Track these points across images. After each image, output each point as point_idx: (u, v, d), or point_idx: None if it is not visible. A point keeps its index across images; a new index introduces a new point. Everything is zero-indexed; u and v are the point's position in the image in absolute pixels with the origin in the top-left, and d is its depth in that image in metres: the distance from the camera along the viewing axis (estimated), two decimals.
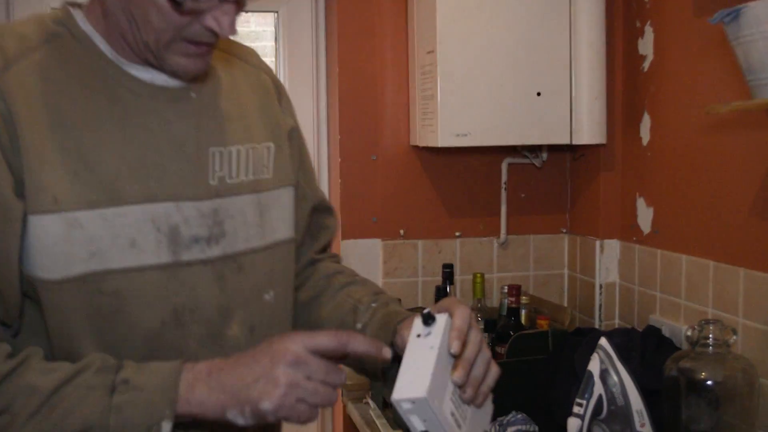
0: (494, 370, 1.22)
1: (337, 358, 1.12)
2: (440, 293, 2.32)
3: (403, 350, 1.18)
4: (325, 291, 1.46)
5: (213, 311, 1.20)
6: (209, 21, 1.09)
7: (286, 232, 1.35)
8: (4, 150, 1.06)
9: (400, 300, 1.48)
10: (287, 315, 1.37)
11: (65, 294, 1.09)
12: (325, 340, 1.09)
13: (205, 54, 1.16)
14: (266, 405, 1.04)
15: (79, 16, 1.17)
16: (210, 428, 1.14)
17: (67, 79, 1.12)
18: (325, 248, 1.55)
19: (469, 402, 1.18)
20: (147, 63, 1.16)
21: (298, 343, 1.07)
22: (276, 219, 1.33)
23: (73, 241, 1.08)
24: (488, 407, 1.24)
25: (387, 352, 1.12)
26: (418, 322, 1.17)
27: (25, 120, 1.07)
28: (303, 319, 1.45)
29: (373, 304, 1.38)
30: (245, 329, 1.24)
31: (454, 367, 1.15)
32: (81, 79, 1.13)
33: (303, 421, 1.07)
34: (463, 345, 1.15)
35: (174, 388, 1.04)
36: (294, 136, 1.43)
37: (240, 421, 1.06)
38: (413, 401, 1.07)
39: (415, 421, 1.09)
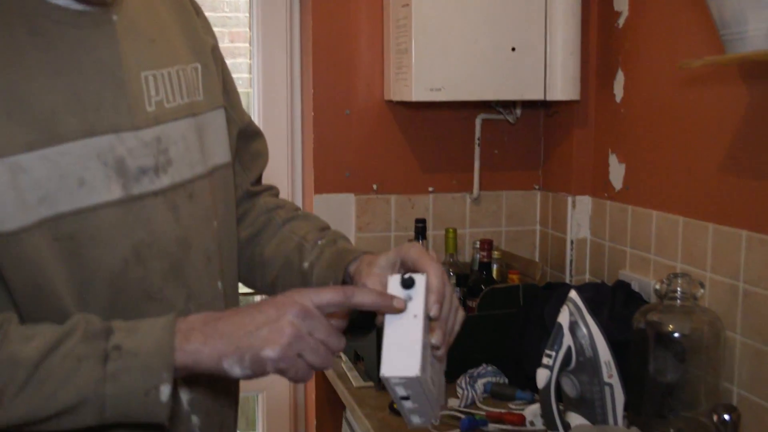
0: (461, 317, 1.20)
1: (341, 318, 1.10)
2: None
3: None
4: (266, 228, 1.41)
5: (171, 244, 1.16)
6: None
7: (224, 156, 1.31)
8: None
9: (347, 238, 1.41)
10: (234, 245, 1.34)
11: (26, 245, 1.02)
12: (330, 294, 1.06)
13: None
14: (270, 352, 1.01)
15: None
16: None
17: None
18: (259, 179, 1.50)
19: (441, 359, 1.18)
20: None
21: (305, 298, 1.04)
22: (213, 143, 1.28)
23: (20, 187, 1.01)
24: (444, 357, 1.22)
25: (400, 303, 1.09)
26: (395, 285, 1.12)
27: None
28: (245, 258, 1.41)
29: (320, 242, 1.34)
30: (203, 259, 1.22)
31: (432, 329, 1.14)
32: None
33: (299, 378, 1.04)
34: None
35: (170, 349, 1.00)
36: (216, 55, 1.36)
37: (237, 370, 1.02)
38: (405, 379, 1.06)
39: (399, 391, 1.09)
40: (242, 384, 1.36)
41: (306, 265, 1.32)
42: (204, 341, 1.02)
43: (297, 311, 1.02)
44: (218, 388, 1.27)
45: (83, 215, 1.06)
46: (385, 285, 1.16)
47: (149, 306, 1.13)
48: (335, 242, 1.34)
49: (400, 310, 1.09)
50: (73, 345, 0.98)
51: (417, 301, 1.10)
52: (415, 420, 1.16)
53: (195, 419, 1.21)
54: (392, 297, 1.09)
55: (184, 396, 1.20)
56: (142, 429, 1.07)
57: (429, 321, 1.12)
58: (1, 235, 1.01)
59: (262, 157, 1.50)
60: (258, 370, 1.03)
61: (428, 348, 1.11)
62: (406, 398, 1.10)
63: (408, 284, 1.11)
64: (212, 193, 1.25)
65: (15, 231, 1.01)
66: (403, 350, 1.07)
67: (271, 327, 1.02)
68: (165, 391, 0.99)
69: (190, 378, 1.17)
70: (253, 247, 1.41)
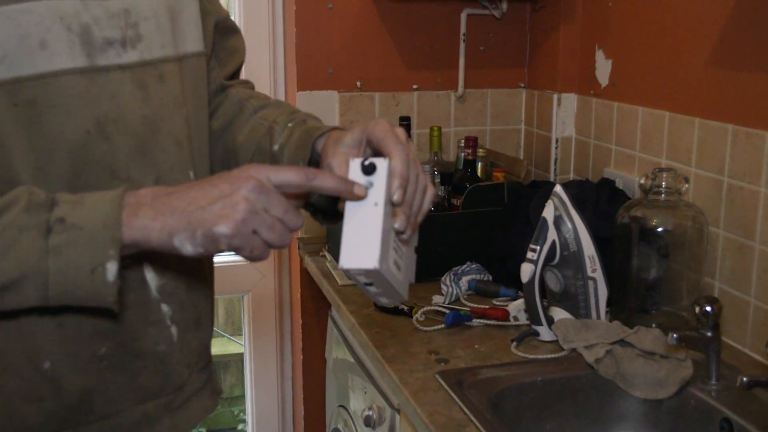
0: (429, 198, 1.13)
1: (299, 197, 1.06)
2: None
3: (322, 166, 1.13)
4: (238, 116, 1.36)
5: (138, 123, 1.11)
6: None
7: (196, 44, 1.25)
8: None
9: (317, 118, 1.34)
10: (206, 136, 1.30)
11: None
12: (290, 174, 1.00)
13: None
14: (223, 228, 0.95)
15: None
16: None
17: None
18: (234, 74, 1.45)
19: (407, 241, 1.14)
20: None
21: (262, 173, 0.98)
22: (185, 29, 1.22)
23: None
24: (415, 236, 1.17)
25: (360, 190, 1.03)
26: (356, 170, 1.05)
27: None
28: (218, 149, 1.36)
29: (290, 124, 1.29)
30: (173, 144, 1.17)
31: (395, 214, 1.08)
32: None
33: (254, 256, 1.00)
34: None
35: (117, 223, 0.94)
36: None
37: (188, 247, 0.97)
38: (364, 270, 1.03)
39: (361, 279, 1.06)
40: (227, 285, 1.33)
41: (276, 147, 1.27)
42: (154, 216, 0.96)
43: (252, 186, 0.96)
44: (192, 277, 1.23)
45: (44, 80, 1.01)
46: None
47: (114, 185, 1.07)
48: (304, 122, 1.29)
49: (360, 197, 1.03)
50: (14, 215, 0.93)
51: (378, 187, 1.04)
52: (383, 300, 1.14)
53: (165, 308, 1.18)
54: (353, 183, 1.03)
55: (153, 282, 1.15)
56: (93, 315, 1.06)
57: (392, 207, 1.07)
58: None
59: (238, 52, 1.44)
60: (211, 247, 0.98)
61: (390, 233, 1.07)
62: (370, 284, 1.08)
63: (368, 170, 1.04)
64: (182, 81, 1.20)
65: None
66: (363, 240, 1.03)
67: (224, 202, 0.96)
68: (111, 269, 0.94)
69: (159, 262, 1.14)
70: (226, 136, 1.36)
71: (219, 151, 1.36)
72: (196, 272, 1.25)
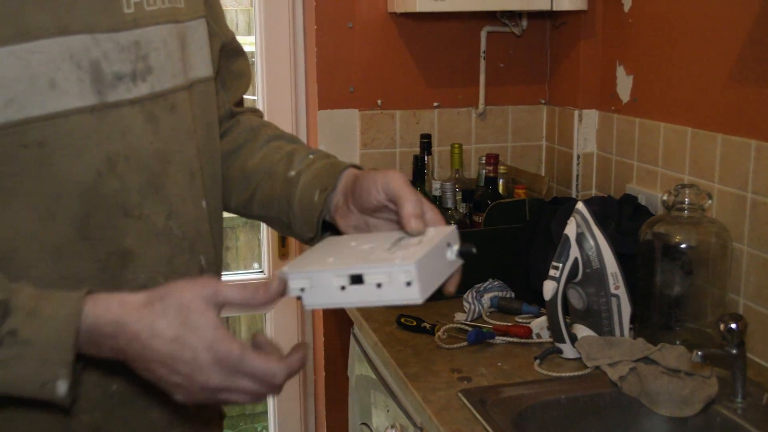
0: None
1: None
2: (418, 163, 2.30)
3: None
4: (250, 143, 1.34)
5: (150, 157, 1.09)
6: None
7: (205, 69, 1.23)
8: None
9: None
10: (217, 163, 1.28)
11: None
12: (237, 297, 0.95)
13: None
14: (180, 398, 0.96)
15: None
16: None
17: None
18: (241, 101, 1.43)
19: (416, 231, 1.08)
20: None
21: (217, 339, 0.92)
22: (194, 54, 1.20)
23: None
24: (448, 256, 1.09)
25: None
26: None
27: None
28: (223, 171, 1.33)
29: (311, 155, 1.27)
30: (185, 175, 1.15)
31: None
32: None
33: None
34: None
35: (69, 345, 0.90)
36: None
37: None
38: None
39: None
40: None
41: (293, 173, 1.24)
42: (113, 355, 0.94)
43: (220, 366, 0.92)
44: None
45: (54, 121, 0.99)
46: (358, 228, 1.17)
47: (127, 223, 1.06)
48: (328, 157, 1.28)
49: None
50: None
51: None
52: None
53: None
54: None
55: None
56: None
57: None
58: None
59: (244, 76, 1.41)
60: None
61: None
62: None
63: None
64: (192, 108, 1.18)
65: None
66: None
67: (184, 385, 0.93)
68: (62, 386, 0.91)
69: None
70: (233, 160, 1.34)
71: (223, 175, 1.33)
72: None
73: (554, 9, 2.32)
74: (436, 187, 2.22)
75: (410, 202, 1.07)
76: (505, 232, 2.15)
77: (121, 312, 0.91)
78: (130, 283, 1.06)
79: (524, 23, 2.56)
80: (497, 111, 2.62)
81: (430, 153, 2.36)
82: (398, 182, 1.10)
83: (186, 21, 1.18)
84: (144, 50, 1.08)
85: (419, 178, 2.29)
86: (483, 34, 2.56)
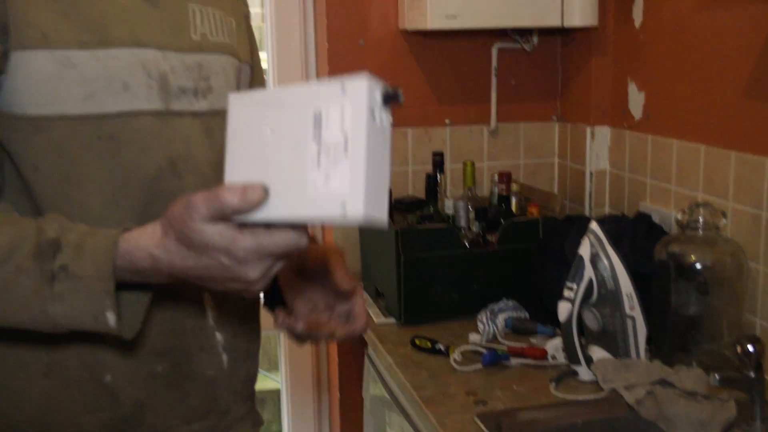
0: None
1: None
2: (430, 182, 2.30)
3: None
4: None
5: (205, 165, 1.21)
6: None
7: None
8: None
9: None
10: None
11: (58, 132, 1.09)
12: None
13: None
14: (237, 287, 0.98)
15: None
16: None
17: None
18: None
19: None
20: None
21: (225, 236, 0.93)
22: (245, 87, 1.34)
23: (66, 79, 1.08)
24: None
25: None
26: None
27: None
28: None
29: None
30: None
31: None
32: None
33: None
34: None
35: (108, 277, 0.98)
36: (248, 23, 1.43)
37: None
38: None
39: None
40: (264, 321, 1.39)
41: None
42: (163, 279, 0.99)
43: (243, 266, 0.94)
44: (246, 310, 1.32)
45: (125, 118, 1.12)
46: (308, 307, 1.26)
47: None
48: None
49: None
50: (22, 259, 0.98)
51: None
52: None
53: (219, 336, 1.27)
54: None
55: (210, 310, 1.25)
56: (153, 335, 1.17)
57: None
58: (38, 119, 1.08)
59: None
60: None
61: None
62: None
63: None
64: None
65: (54, 116, 1.08)
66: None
67: (235, 284, 0.97)
68: (111, 317, 0.99)
69: (218, 293, 1.21)
70: None
71: None
72: (251, 306, 1.34)
73: (565, 26, 2.32)
74: (448, 206, 2.22)
75: (341, 268, 1.24)
76: (519, 251, 2.14)
77: (148, 245, 0.97)
78: None
79: (535, 40, 2.56)
80: (509, 128, 2.62)
81: (442, 171, 2.35)
82: (334, 256, 1.27)
83: (241, 62, 1.34)
84: (206, 72, 1.23)
85: (432, 196, 2.29)
86: (494, 51, 2.55)
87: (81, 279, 0.98)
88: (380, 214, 0.84)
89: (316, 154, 0.84)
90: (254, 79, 1.41)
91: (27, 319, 1.00)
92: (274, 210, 0.88)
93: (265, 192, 0.88)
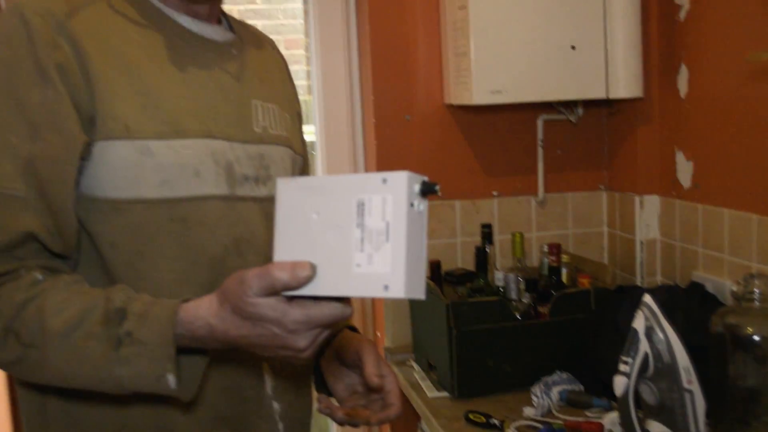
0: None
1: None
2: (480, 254, 2.30)
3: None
4: None
5: (264, 245, 1.28)
6: None
7: None
8: (73, 87, 1.15)
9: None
10: None
11: (136, 215, 1.18)
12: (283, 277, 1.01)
13: None
14: (287, 353, 1.06)
15: None
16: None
17: (127, 25, 1.23)
18: None
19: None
20: (191, 13, 1.30)
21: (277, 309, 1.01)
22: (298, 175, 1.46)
23: (144, 167, 1.18)
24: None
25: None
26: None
27: (95, 59, 1.17)
28: None
29: None
30: None
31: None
32: (139, 26, 1.24)
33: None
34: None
35: (170, 343, 1.06)
36: (301, 119, 1.55)
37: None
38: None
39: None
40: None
41: None
42: (218, 345, 1.08)
43: (294, 336, 1.02)
44: (301, 381, 1.39)
45: (196, 202, 1.22)
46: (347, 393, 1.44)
47: None
48: None
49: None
50: (91, 325, 1.08)
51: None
52: None
53: (276, 405, 1.33)
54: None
55: (268, 381, 1.31)
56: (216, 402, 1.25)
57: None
58: (118, 201, 1.18)
59: None
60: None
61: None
62: None
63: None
64: None
65: (133, 200, 1.18)
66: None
67: (288, 352, 1.04)
68: (171, 379, 1.07)
69: (276, 364, 1.31)
70: None
71: None
72: (305, 379, 1.41)
73: (610, 97, 2.34)
74: (498, 278, 2.22)
75: (371, 363, 1.36)
76: (571, 323, 2.13)
77: (206, 314, 1.06)
78: None
79: (580, 111, 2.58)
80: (557, 198, 2.62)
81: (491, 242, 2.36)
82: (366, 349, 1.39)
83: (296, 153, 1.45)
84: (266, 162, 1.34)
85: (482, 269, 2.29)
86: (539, 123, 2.58)
87: (145, 344, 1.06)
88: (419, 292, 0.94)
89: (359, 238, 0.95)
90: (304, 169, 1.53)
91: (96, 380, 1.10)
92: (321, 286, 0.97)
93: (312, 269, 0.96)
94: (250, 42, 1.44)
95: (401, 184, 0.93)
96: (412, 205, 0.93)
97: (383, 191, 0.93)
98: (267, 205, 1.29)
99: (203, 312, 1.06)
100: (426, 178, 0.96)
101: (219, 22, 1.38)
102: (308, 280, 0.97)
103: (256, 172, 1.31)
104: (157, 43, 1.25)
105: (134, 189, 1.18)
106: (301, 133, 1.54)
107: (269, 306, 0.99)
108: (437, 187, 0.96)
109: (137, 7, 1.26)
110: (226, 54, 1.34)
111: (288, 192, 1.03)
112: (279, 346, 1.03)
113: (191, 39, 1.29)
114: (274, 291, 0.98)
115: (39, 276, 1.13)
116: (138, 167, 1.18)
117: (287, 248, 1.01)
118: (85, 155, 1.16)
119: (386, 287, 0.92)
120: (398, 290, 0.91)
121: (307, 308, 0.99)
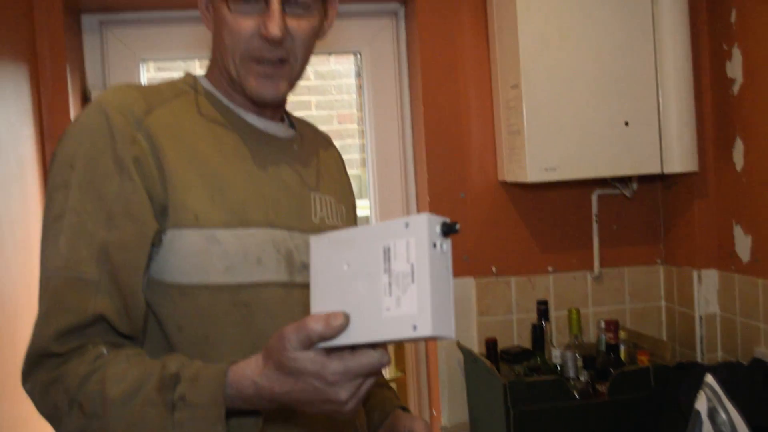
0: None
1: None
2: (536, 331, 2.29)
3: None
4: None
5: None
6: (260, 29, 1.29)
7: None
8: (147, 179, 1.23)
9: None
10: None
11: (202, 299, 1.24)
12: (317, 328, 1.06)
13: (272, 75, 1.34)
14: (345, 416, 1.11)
15: (201, 79, 1.42)
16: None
17: (199, 122, 1.33)
18: None
19: None
20: (257, 112, 1.40)
21: (316, 362, 1.06)
22: None
23: (211, 254, 1.24)
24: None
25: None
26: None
27: (168, 153, 1.25)
28: None
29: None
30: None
31: None
32: (209, 123, 1.34)
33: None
34: None
35: (220, 405, 1.11)
36: (355, 212, 1.63)
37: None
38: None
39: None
40: None
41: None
42: (265, 404, 1.12)
43: (332, 387, 1.06)
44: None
45: (258, 288, 1.27)
46: None
47: None
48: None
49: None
50: (148, 392, 1.13)
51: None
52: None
53: None
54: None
55: None
56: None
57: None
58: (186, 287, 1.24)
59: None
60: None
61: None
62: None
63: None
64: None
65: (199, 285, 1.24)
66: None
67: (331, 404, 1.07)
68: None
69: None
70: None
71: None
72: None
73: (665, 172, 2.33)
74: (556, 356, 2.20)
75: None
76: (631, 401, 2.10)
77: (252, 374, 1.11)
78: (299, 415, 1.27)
79: (635, 185, 2.57)
80: (613, 273, 2.61)
81: (547, 319, 2.34)
82: (419, 426, 1.44)
83: None
84: None
85: (538, 346, 2.28)
86: (594, 198, 2.58)
87: (197, 407, 1.11)
88: (448, 331, 0.97)
89: (387, 283, 0.99)
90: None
91: None
92: (355, 334, 1.02)
93: (345, 318, 1.01)
94: (309, 138, 1.53)
95: (422, 226, 0.97)
96: (434, 245, 0.97)
97: (406, 235, 0.98)
98: None
99: (250, 371, 1.11)
100: (447, 220, 0.98)
101: (282, 119, 1.48)
102: (342, 329, 1.02)
103: None
104: (225, 139, 1.34)
105: (201, 275, 1.24)
106: (355, 223, 1.60)
107: (308, 359, 1.04)
108: (458, 226, 0.98)
109: (209, 106, 1.37)
110: (288, 149, 1.43)
111: (320, 247, 1.09)
112: (322, 400, 1.06)
113: (257, 135, 1.38)
114: (311, 342, 1.03)
115: (104, 350, 1.19)
116: (205, 254, 1.24)
117: (322, 301, 1.07)
118: (156, 242, 1.23)
119: (414, 327, 0.95)
120: (426, 329, 0.94)
121: (344, 359, 1.04)
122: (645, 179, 2.58)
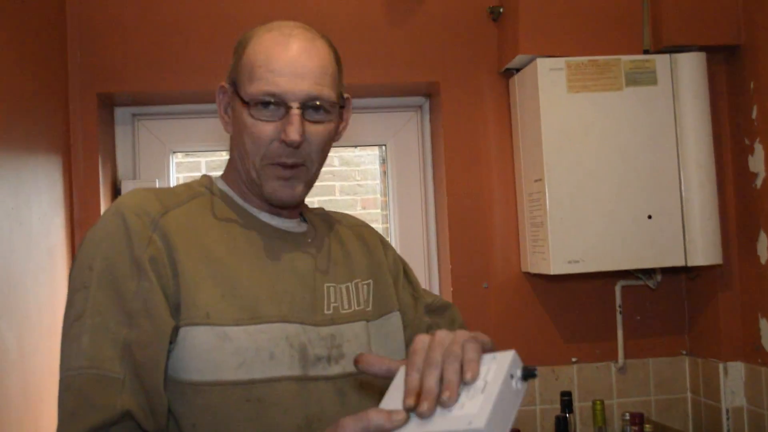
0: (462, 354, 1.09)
1: None
2: (560, 423, 2.28)
3: None
4: None
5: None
6: (281, 134, 1.33)
7: (398, 355, 1.47)
8: (162, 277, 1.26)
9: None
10: None
11: (215, 396, 1.25)
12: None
13: (290, 178, 1.38)
14: None
15: (217, 180, 1.46)
16: None
17: (212, 223, 1.37)
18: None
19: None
20: (272, 211, 1.42)
21: None
22: (384, 344, 1.46)
23: (223, 351, 1.26)
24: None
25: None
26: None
27: (182, 252, 1.29)
28: None
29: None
30: None
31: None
32: (222, 223, 1.37)
33: None
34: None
35: None
36: (392, 273, 1.58)
37: None
38: None
39: None
40: None
41: None
42: None
43: None
44: None
45: (271, 384, 1.28)
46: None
47: None
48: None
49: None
50: None
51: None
52: None
53: None
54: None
55: None
56: None
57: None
58: (198, 384, 1.25)
59: (456, 322, 1.66)
60: None
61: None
62: None
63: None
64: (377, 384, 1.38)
65: (212, 383, 1.25)
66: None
67: None
68: None
69: None
70: None
71: None
72: None
73: (688, 264, 2.34)
74: None
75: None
76: None
77: None
78: None
79: (659, 277, 2.58)
80: (638, 364, 2.60)
81: (571, 410, 2.33)
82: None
83: (372, 320, 1.46)
84: (338, 341, 1.38)
85: None
86: (617, 289, 2.58)
87: None
88: None
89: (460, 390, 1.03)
90: (407, 322, 1.55)
91: None
92: (413, 427, 1.02)
93: (407, 416, 1.02)
94: (321, 228, 1.52)
95: (507, 358, 1.02)
96: (511, 377, 1.01)
97: (490, 363, 1.03)
98: (341, 382, 1.35)
99: None
100: (530, 366, 1.04)
101: (297, 217, 1.50)
102: (401, 424, 1.02)
103: (328, 351, 1.36)
104: (239, 237, 1.37)
105: (214, 372, 1.25)
106: (391, 287, 1.55)
107: None
108: (536, 372, 1.03)
109: (224, 206, 1.41)
110: (301, 243, 1.43)
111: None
112: None
113: (270, 232, 1.41)
114: None
115: None
116: (218, 351, 1.26)
117: (391, 400, 1.08)
118: (173, 339, 1.25)
119: (470, 422, 0.98)
120: (480, 423, 0.97)
121: None
122: (669, 270, 2.59)
